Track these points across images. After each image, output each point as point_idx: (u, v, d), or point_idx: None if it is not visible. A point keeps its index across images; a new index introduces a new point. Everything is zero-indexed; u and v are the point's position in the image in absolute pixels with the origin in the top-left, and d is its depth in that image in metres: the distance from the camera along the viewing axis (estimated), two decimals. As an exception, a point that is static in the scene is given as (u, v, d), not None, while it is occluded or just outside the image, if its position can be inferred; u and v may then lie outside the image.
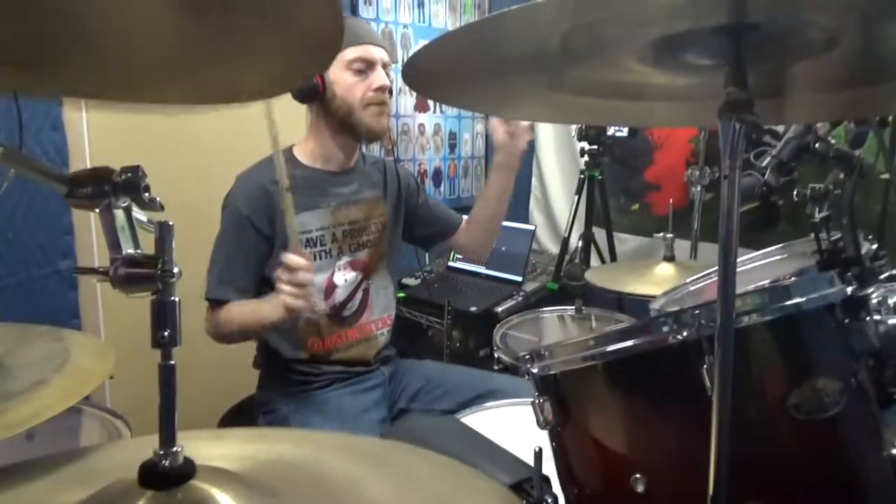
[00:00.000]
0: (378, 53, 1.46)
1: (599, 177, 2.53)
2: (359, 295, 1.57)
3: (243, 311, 1.40)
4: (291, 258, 1.21)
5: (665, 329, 0.70)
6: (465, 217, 1.80)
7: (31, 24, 0.47)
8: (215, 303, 1.41)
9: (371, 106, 1.45)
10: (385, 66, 1.48)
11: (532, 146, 3.26)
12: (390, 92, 1.53)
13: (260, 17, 0.48)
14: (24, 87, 0.74)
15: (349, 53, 1.43)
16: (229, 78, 0.59)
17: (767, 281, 1.04)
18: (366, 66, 1.45)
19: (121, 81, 0.59)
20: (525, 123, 1.55)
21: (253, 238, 1.44)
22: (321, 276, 1.50)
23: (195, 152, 2.08)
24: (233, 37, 0.50)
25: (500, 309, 2.34)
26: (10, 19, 0.46)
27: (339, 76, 1.45)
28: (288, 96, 1.48)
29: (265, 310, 1.34)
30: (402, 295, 2.43)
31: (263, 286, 1.52)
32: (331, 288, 1.52)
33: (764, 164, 1.10)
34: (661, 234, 1.94)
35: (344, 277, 1.54)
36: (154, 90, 0.63)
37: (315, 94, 1.46)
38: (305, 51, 0.55)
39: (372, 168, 1.66)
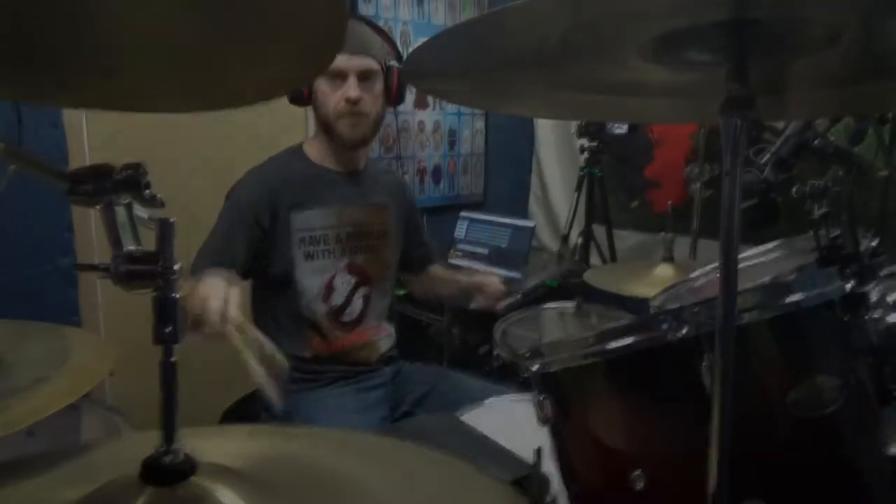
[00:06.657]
0: (353, 63, 1.42)
1: (599, 174, 2.53)
2: (358, 302, 1.57)
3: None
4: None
5: (665, 326, 0.70)
6: (433, 266, 1.83)
7: (32, 26, 0.47)
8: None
9: (343, 117, 1.45)
10: (367, 73, 1.45)
11: (532, 143, 3.26)
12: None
13: (263, 15, 0.48)
14: (22, 95, 0.73)
15: None
16: (229, 82, 0.59)
17: (767, 278, 1.04)
18: (338, 76, 1.43)
19: (119, 89, 0.58)
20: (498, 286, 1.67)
21: (251, 226, 1.44)
22: (321, 277, 1.51)
23: (195, 149, 2.08)
24: (235, 38, 0.50)
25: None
26: (8, 20, 0.45)
27: (318, 84, 1.45)
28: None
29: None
30: (401, 292, 2.43)
31: (259, 282, 1.53)
32: (329, 290, 1.52)
33: (763, 160, 1.09)
34: (662, 234, 1.94)
35: (341, 281, 1.54)
36: (154, 98, 0.62)
37: (303, 98, 1.47)
38: (307, 51, 0.54)
39: (382, 175, 1.68)
